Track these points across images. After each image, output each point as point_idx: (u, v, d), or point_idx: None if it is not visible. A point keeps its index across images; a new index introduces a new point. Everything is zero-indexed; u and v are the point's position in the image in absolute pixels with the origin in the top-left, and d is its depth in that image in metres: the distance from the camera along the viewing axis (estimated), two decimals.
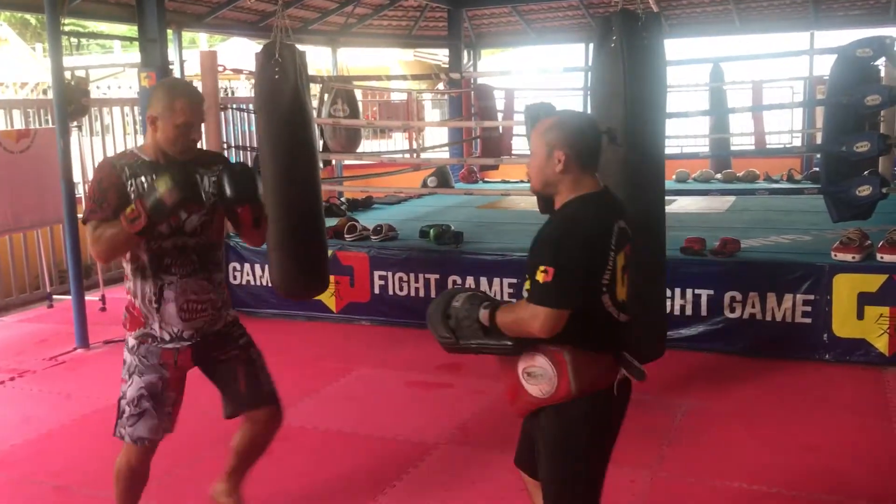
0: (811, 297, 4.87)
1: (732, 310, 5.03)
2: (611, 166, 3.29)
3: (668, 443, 3.82)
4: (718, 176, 9.38)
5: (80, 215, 4.15)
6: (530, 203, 5.56)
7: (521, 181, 9.47)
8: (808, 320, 4.88)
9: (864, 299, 4.74)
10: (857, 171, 5.13)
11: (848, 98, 4.90)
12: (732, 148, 10.67)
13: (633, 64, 3.87)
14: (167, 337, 2.71)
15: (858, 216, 5.05)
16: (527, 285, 2.15)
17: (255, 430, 2.89)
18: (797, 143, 11.06)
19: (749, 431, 3.94)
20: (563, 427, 2.21)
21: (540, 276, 2.09)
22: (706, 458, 3.65)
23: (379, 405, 4.45)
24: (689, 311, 5.12)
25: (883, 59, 7.88)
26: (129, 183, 2.60)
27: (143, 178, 2.60)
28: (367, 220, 6.68)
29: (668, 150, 4.40)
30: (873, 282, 4.73)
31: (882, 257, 4.82)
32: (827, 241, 5.32)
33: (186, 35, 12.04)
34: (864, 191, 4.87)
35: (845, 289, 4.79)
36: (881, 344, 4.71)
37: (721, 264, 5.11)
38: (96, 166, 2.81)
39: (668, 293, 4.82)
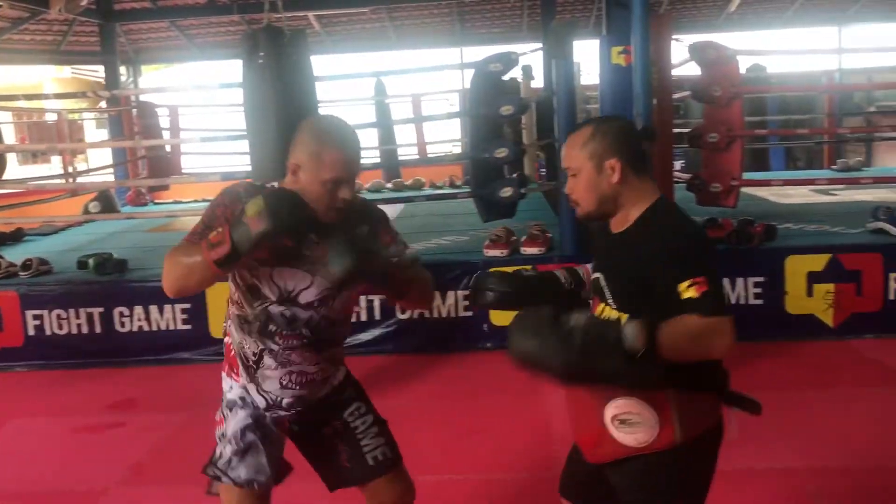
0: (468, 292, 5.29)
1: (404, 311, 5.29)
2: None
3: None
4: (389, 185, 9.83)
5: None
6: None
7: (195, 200, 9.15)
8: (469, 314, 5.30)
9: None
10: (500, 174, 5.67)
11: (486, 109, 5.38)
12: (400, 158, 11.23)
13: (280, 78, 3.91)
14: (262, 404, 2.26)
15: (504, 215, 5.57)
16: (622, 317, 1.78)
17: None
18: (458, 150, 11.95)
19: (429, 424, 4.17)
20: (663, 478, 1.89)
21: (693, 292, 1.74)
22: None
23: (37, 458, 4.02)
24: (364, 317, 5.30)
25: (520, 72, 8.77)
26: None
27: None
28: (16, 254, 6.03)
29: None
30: None
31: (525, 250, 5.39)
32: (481, 239, 5.81)
33: None
34: (507, 192, 5.37)
35: None
36: None
37: None
38: (222, 190, 2.16)
39: None
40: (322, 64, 9.27)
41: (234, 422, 2.26)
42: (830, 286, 5.12)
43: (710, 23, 11.16)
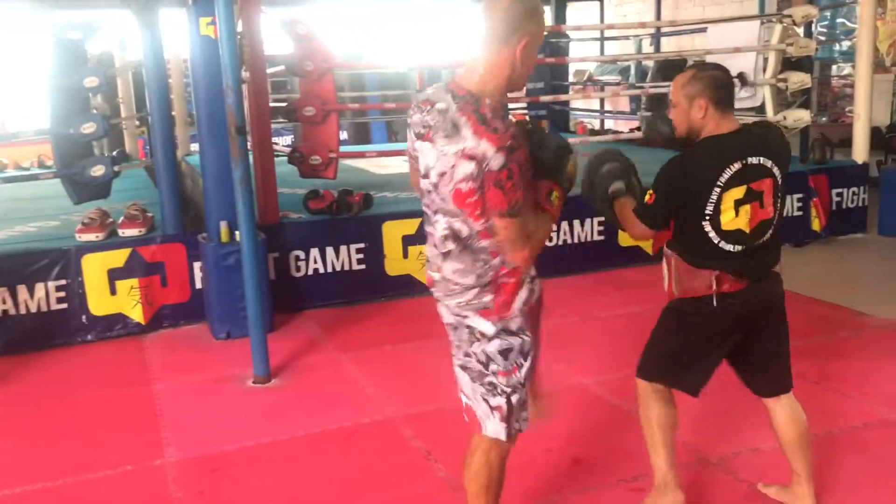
0: (63, 281, 4.83)
1: None
2: None
3: None
4: None
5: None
6: None
7: None
8: (65, 305, 4.84)
9: (115, 274, 4.91)
10: (90, 151, 5.24)
11: (68, 80, 4.92)
12: None
13: None
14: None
15: (98, 196, 5.16)
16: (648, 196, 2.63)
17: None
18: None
19: (11, 433, 3.74)
20: (665, 314, 2.75)
21: (648, 197, 2.59)
22: None
23: None
24: None
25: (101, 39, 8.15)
26: None
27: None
28: None
29: None
30: (120, 257, 4.93)
31: (123, 232, 5.06)
32: (74, 224, 5.32)
33: None
34: (98, 171, 4.98)
35: (95, 268, 4.88)
36: (136, 314, 4.97)
37: None
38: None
39: None
40: None
41: (523, 373, 2.29)
42: (423, 247, 5.54)
43: None
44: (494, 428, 2.28)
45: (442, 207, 2.16)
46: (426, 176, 2.18)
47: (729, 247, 2.54)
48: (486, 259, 2.17)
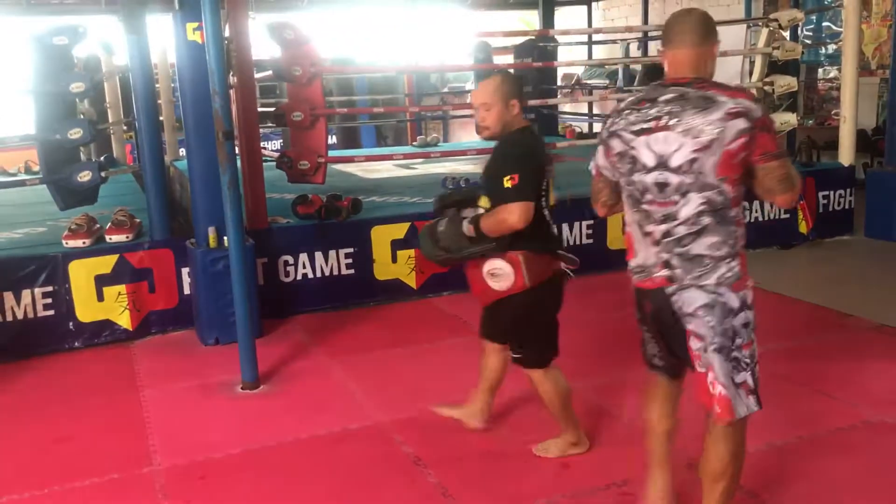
0: (50, 288, 4.80)
1: None
2: None
3: None
4: None
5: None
6: None
7: None
8: (52, 312, 4.81)
9: (102, 281, 4.89)
10: (76, 157, 5.22)
11: (54, 86, 4.89)
12: None
13: None
14: None
15: (84, 201, 5.13)
16: (484, 202, 3.02)
17: None
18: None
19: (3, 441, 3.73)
20: (522, 309, 3.08)
21: (508, 183, 2.85)
22: None
23: None
24: None
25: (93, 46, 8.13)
26: None
27: None
28: None
29: None
30: (107, 263, 4.90)
31: (111, 238, 5.04)
32: (60, 230, 5.29)
33: None
34: (85, 176, 4.95)
35: (82, 274, 4.85)
36: (124, 321, 4.95)
37: None
38: None
39: None
40: None
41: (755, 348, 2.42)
42: (412, 251, 5.57)
43: (294, 3, 11.36)
44: (747, 404, 2.38)
45: (694, 184, 2.32)
46: (660, 166, 2.35)
47: (553, 228, 3.07)
48: (734, 230, 2.37)
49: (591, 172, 2.63)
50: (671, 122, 2.32)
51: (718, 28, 2.50)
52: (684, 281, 2.37)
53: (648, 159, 2.37)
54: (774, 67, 7.01)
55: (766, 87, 6.80)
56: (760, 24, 7.00)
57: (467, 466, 3.31)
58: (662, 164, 2.34)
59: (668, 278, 2.39)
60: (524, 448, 3.38)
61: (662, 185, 2.35)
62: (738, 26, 7.56)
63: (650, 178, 2.37)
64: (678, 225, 2.35)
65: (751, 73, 7.02)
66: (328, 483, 3.23)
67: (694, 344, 2.38)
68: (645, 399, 2.76)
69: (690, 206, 2.33)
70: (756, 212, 6.49)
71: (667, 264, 2.39)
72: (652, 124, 2.35)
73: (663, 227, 2.38)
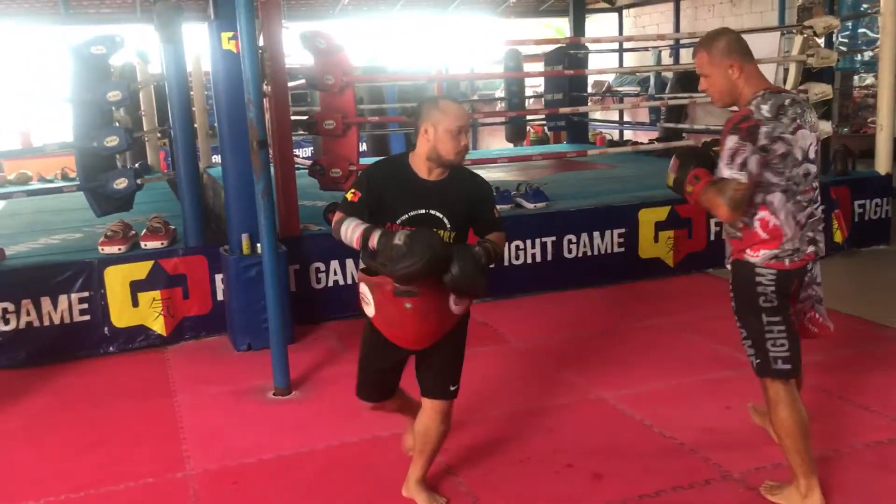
0: (86, 293, 4.88)
1: (7, 322, 4.72)
2: None
3: None
4: None
5: None
6: None
7: None
8: (88, 317, 4.89)
9: (137, 287, 4.96)
10: (112, 164, 5.30)
11: (91, 95, 4.97)
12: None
13: None
14: None
15: (120, 208, 5.21)
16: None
17: None
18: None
19: (35, 445, 3.78)
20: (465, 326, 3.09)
21: (496, 213, 2.99)
22: None
23: None
24: None
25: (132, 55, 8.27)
26: None
27: None
28: None
29: None
30: (142, 269, 4.97)
31: (146, 244, 5.11)
32: (97, 236, 5.38)
33: None
34: (121, 183, 5.03)
35: (117, 280, 4.92)
36: (158, 326, 5.01)
37: None
38: None
39: None
40: None
41: None
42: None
43: (326, 12, 11.47)
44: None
45: (817, 171, 2.84)
46: (805, 160, 2.77)
47: None
48: None
49: (740, 181, 2.65)
50: (802, 122, 2.75)
51: (752, 35, 2.53)
52: (822, 253, 2.88)
53: (799, 154, 2.76)
54: (809, 75, 6.92)
55: (800, 95, 6.70)
56: (795, 31, 6.93)
57: (499, 475, 3.30)
58: (805, 157, 2.77)
59: (815, 252, 2.85)
60: (555, 458, 3.36)
61: (807, 175, 2.78)
62: (772, 34, 7.47)
63: (801, 170, 2.77)
64: (817, 207, 2.84)
65: (784, 81, 6.93)
66: (359, 490, 3.24)
67: (817, 307, 2.99)
68: (790, 406, 2.82)
69: (817, 190, 2.84)
70: None
71: (812, 241, 2.82)
72: (798, 122, 2.75)
73: (808, 210, 2.80)
